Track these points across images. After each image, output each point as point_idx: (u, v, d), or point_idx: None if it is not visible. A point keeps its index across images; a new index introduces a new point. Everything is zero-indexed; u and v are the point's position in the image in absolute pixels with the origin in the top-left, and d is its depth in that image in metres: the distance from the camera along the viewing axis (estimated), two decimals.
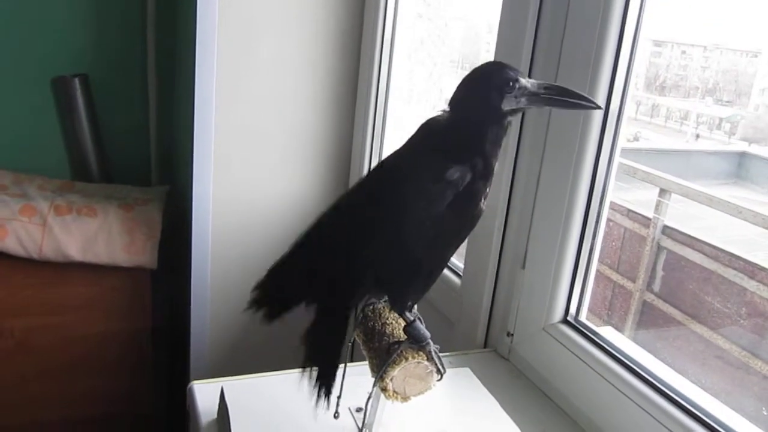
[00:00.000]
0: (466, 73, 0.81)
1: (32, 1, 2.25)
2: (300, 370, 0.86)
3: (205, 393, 1.07)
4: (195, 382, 1.09)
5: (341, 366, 0.89)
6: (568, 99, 0.78)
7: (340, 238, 0.83)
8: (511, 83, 0.76)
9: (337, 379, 0.87)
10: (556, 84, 0.79)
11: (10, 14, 2.24)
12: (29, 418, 2.01)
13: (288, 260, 0.86)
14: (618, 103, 1.09)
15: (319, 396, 0.85)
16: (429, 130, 0.82)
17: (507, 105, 0.77)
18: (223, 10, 1.62)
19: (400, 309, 0.85)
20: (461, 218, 0.79)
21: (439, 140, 0.79)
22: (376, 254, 0.79)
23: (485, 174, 0.78)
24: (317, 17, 1.75)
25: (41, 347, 1.96)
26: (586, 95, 0.79)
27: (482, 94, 0.77)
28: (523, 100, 0.77)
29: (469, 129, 0.77)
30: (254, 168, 1.81)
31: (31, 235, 1.85)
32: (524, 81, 0.77)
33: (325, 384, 0.86)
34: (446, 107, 0.81)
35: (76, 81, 2.28)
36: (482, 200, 0.80)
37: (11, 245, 1.84)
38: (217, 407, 1.02)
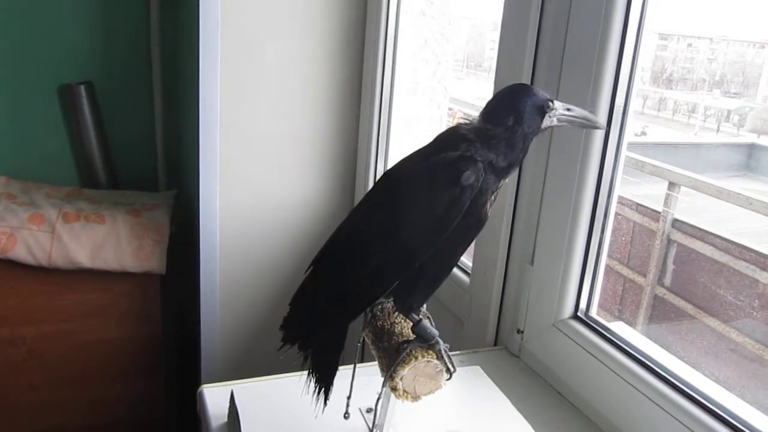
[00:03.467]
0: (499, 88, 0.85)
1: (37, 10, 2.26)
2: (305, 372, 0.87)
3: (215, 397, 1.07)
4: (205, 386, 1.09)
5: (341, 368, 0.89)
6: (584, 120, 0.85)
7: (354, 253, 0.83)
8: (549, 104, 0.82)
9: (334, 382, 0.87)
10: (574, 107, 0.85)
11: (16, 23, 2.25)
12: (41, 425, 2.02)
13: (307, 286, 0.87)
14: (623, 98, 1.08)
15: (317, 398, 0.87)
16: (447, 138, 0.82)
17: (544, 124, 0.83)
18: (226, 13, 1.62)
19: (405, 312, 0.85)
20: (468, 217, 0.78)
21: (463, 144, 0.79)
22: (386, 263, 0.80)
23: (499, 174, 0.79)
24: (319, 19, 1.75)
25: (52, 355, 1.96)
26: (595, 118, 0.88)
27: (528, 111, 0.81)
28: (555, 120, 0.83)
29: (511, 142, 0.80)
30: (260, 171, 1.81)
31: (40, 243, 1.85)
32: (557, 103, 0.83)
33: (323, 386, 0.87)
34: (465, 118, 0.84)
35: (82, 88, 2.29)
36: (488, 203, 0.80)
37: (21, 254, 1.85)
38: (227, 411, 1.02)
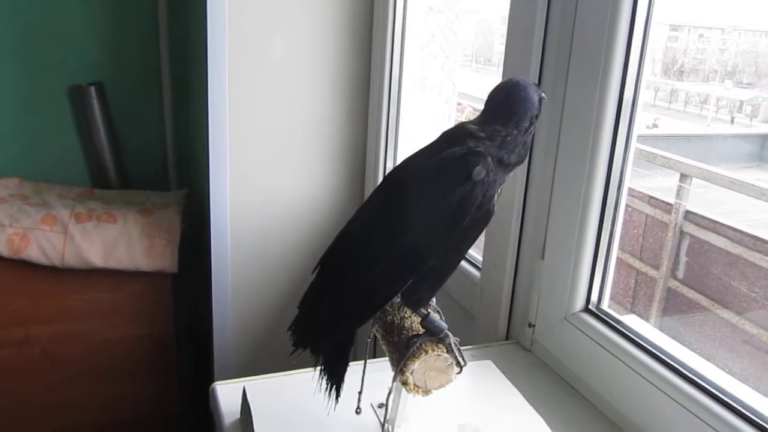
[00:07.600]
0: (501, 84, 0.85)
1: (47, 11, 2.27)
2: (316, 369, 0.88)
3: (227, 393, 1.07)
4: (217, 382, 1.10)
5: (353, 364, 0.89)
6: None
7: (364, 254, 0.82)
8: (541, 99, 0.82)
9: (345, 379, 0.88)
10: None
11: (27, 25, 2.26)
12: (56, 425, 2.03)
13: (316, 288, 0.86)
14: (632, 89, 1.07)
15: (329, 395, 0.87)
16: (454, 134, 0.81)
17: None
18: (233, 12, 1.62)
19: (412, 307, 0.85)
20: (477, 212, 0.78)
21: (470, 140, 0.79)
22: (398, 263, 0.79)
23: (507, 168, 0.79)
24: (327, 15, 1.75)
25: (66, 354, 1.98)
26: None
27: (534, 108, 0.81)
28: None
29: (521, 140, 0.80)
30: (270, 168, 1.81)
31: (53, 243, 1.87)
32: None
33: (334, 383, 0.87)
34: (475, 116, 0.83)
35: (92, 89, 2.30)
36: (496, 196, 0.79)
37: (34, 254, 1.86)
38: (240, 407, 1.02)
